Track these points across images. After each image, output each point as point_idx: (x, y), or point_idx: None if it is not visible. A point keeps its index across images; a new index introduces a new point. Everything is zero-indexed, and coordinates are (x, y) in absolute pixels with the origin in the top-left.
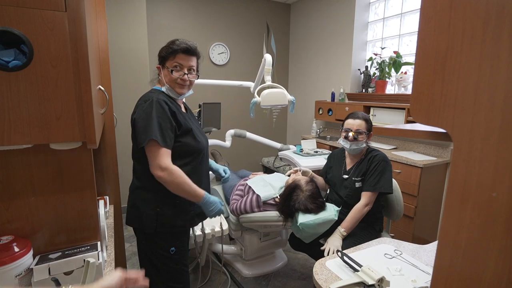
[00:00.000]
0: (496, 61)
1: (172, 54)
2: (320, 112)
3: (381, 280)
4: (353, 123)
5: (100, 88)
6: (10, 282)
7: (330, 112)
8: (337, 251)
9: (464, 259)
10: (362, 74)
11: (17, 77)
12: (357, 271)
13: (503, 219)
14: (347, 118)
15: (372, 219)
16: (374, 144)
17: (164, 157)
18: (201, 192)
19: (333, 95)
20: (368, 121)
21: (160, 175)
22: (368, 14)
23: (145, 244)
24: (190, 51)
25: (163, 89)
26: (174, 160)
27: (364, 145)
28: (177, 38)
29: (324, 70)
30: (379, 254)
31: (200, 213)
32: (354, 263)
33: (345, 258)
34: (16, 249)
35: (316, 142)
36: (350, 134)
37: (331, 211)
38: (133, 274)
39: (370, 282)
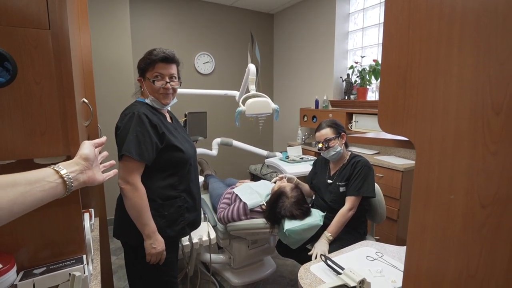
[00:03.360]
0: (449, 76)
1: (151, 64)
2: (305, 119)
3: (362, 282)
4: (320, 135)
5: (84, 101)
6: None
7: (315, 119)
8: (321, 255)
9: (429, 258)
10: (344, 82)
11: (0, 94)
12: (340, 274)
13: (460, 219)
14: (315, 132)
15: (356, 223)
16: (357, 149)
17: (134, 173)
18: (153, 225)
19: (317, 102)
20: (333, 126)
21: (123, 187)
22: (348, 24)
23: (133, 257)
24: (169, 59)
25: (147, 100)
26: (161, 172)
27: (340, 148)
28: (154, 48)
29: (308, 78)
30: (362, 257)
31: (191, 222)
32: (337, 266)
33: (328, 262)
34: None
35: (302, 148)
36: (320, 145)
37: (316, 216)
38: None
39: (352, 284)
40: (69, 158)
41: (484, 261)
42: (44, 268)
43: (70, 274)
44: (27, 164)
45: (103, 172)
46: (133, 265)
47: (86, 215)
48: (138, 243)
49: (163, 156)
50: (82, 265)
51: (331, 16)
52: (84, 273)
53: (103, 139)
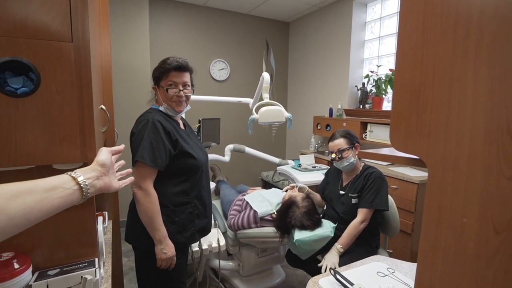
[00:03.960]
0: (463, 97)
1: (165, 73)
2: (319, 127)
3: None
4: (333, 145)
5: (102, 108)
6: None
7: (328, 127)
8: (330, 268)
9: (440, 280)
10: (359, 91)
11: (25, 103)
12: None
13: (473, 244)
14: (328, 142)
15: (368, 235)
16: (371, 160)
17: (147, 179)
18: (164, 231)
19: (331, 110)
20: (346, 136)
21: (136, 192)
22: (364, 33)
23: (144, 261)
24: (182, 68)
25: (161, 108)
26: (173, 178)
27: (353, 159)
28: (168, 57)
29: (322, 86)
30: (372, 272)
31: (201, 229)
32: (346, 281)
33: (337, 276)
34: (16, 266)
35: (315, 157)
36: (333, 156)
37: (327, 227)
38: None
39: None
40: (85, 164)
41: None
42: (58, 269)
43: (82, 277)
44: (45, 170)
45: (119, 180)
46: (143, 269)
47: (100, 218)
48: (148, 248)
49: (176, 163)
50: (94, 268)
51: (348, 25)
52: (96, 277)
53: (121, 147)
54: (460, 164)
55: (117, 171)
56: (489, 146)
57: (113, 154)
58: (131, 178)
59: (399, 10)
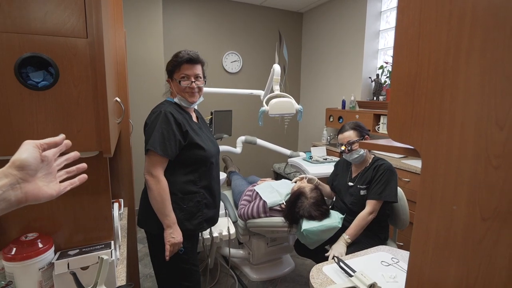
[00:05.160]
0: (455, 90)
1: (177, 66)
2: (331, 119)
3: (373, 286)
4: (342, 137)
5: (116, 100)
6: (34, 274)
7: (341, 119)
8: (334, 256)
9: (431, 265)
10: (373, 82)
11: (45, 96)
12: (351, 276)
13: (461, 231)
14: (338, 134)
15: (377, 227)
16: (384, 153)
17: (158, 167)
18: (173, 217)
19: (343, 102)
20: (356, 129)
21: (147, 179)
22: (379, 22)
23: (155, 245)
24: (193, 60)
25: (176, 100)
26: (182, 168)
27: (362, 151)
28: (180, 51)
29: (336, 77)
30: (376, 261)
31: (209, 218)
32: (349, 268)
33: (341, 263)
34: (40, 245)
35: (327, 149)
36: (343, 148)
37: (335, 218)
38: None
39: (362, 287)
40: (101, 153)
41: (483, 274)
42: (77, 250)
43: (99, 257)
44: None
45: (66, 179)
46: (155, 252)
47: (116, 205)
48: (158, 232)
49: (186, 153)
50: (110, 250)
51: (362, 15)
52: (111, 257)
53: (58, 138)
54: (451, 154)
55: (63, 168)
56: (478, 137)
57: (45, 149)
58: (82, 177)
59: (397, 4)
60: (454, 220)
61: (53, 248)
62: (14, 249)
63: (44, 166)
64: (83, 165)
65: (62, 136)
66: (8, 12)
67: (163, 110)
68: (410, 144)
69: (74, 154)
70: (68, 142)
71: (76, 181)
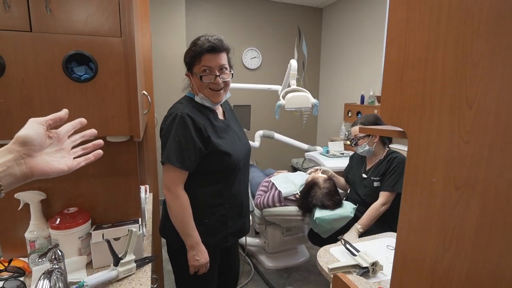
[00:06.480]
0: (435, 76)
1: (196, 57)
2: (349, 114)
3: (375, 264)
4: (354, 130)
5: (144, 93)
6: (75, 242)
7: (359, 114)
8: (341, 238)
9: (415, 233)
10: None
11: (87, 87)
12: (355, 255)
13: (439, 199)
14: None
15: (390, 218)
16: (399, 146)
17: (176, 182)
18: (196, 236)
19: (362, 97)
20: (364, 124)
21: (165, 194)
22: None
23: (174, 258)
24: (216, 48)
25: (196, 98)
26: (204, 178)
27: (368, 147)
28: (199, 37)
29: (355, 72)
30: (382, 246)
31: (235, 231)
32: (354, 249)
33: (347, 245)
34: (80, 218)
35: (344, 144)
36: (348, 142)
37: (347, 208)
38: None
39: (365, 264)
40: (131, 138)
41: (456, 236)
42: (110, 224)
43: (129, 230)
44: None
45: (82, 155)
46: (176, 268)
47: (142, 188)
48: (179, 248)
49: (208, 162)
50: (138, 224)
51: (383, 9)
52: (139, 231)
53: (61, 113)
54: (431, 133)
55: (81, 144)
56: (453, 116)
57: (50, 125)
58: (97, 153)
59: (389, 1)
60: (434, 191)
61: (90, 221)
62: (58, 219)
63: (55, 142)
64: (99, 141)
65: (65, 111)
66: (57, 16)
67: (179, 112)
68: (399, 126)
69: (90, 132)
70: (93, 130)
71: (91, 157)
